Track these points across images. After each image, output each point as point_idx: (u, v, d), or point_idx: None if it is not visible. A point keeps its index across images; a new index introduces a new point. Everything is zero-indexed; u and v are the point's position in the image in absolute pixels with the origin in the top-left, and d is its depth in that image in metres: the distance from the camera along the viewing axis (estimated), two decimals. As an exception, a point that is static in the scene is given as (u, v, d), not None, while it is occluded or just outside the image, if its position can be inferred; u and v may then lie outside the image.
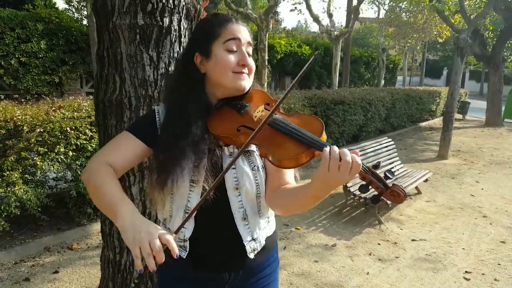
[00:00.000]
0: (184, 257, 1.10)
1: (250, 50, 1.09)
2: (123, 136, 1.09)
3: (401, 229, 4.00)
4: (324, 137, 0.97)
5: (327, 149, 0.88)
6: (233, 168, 1.07)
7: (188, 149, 1.02)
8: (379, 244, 3.63)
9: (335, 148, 0.88)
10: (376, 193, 0.96)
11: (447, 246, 3.62)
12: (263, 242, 1.17)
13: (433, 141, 9.10)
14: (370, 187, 0.94)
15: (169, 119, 1.07)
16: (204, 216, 1.06)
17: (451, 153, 7.64)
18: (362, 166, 0.90)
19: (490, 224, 4.19)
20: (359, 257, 3.36)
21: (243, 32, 1.08)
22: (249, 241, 1.12)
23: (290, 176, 1.14)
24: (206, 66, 1.07)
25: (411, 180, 4.68)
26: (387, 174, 0.96)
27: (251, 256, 1.12)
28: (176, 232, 0.92)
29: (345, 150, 0.87)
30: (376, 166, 0.95)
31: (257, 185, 1.10)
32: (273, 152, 0.95)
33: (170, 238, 0.85)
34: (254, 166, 1.10)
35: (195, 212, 0.94)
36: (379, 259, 3.32)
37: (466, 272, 3.14)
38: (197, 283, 1.16)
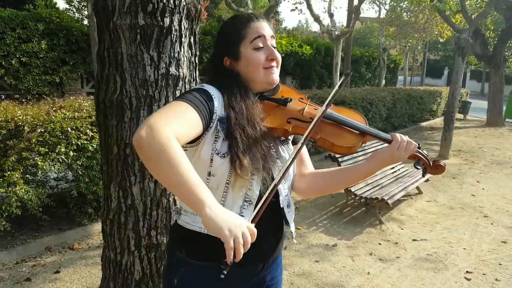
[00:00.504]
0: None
1: (274, 42, 1.15)
2: (189, 112, 0.95)
3: (402, 229, 4.00)
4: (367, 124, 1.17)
5: (397, 134, 1.12)
6: (277, 158, 1.12)
7: (261, 138, 1.06)
8: (380, 244, 3.62)
9: (399, 134, 1.12)
10: (423, 168, 1.16)
11: (448, 246, 3.61)
12: (293, 226, 1.26)
13: (434, 141, 9.10)
14: (420, 163, 1.15)
15: (236, 102, 1.06)
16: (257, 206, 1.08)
17: (452, 153, 7.63)
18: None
19: (491, 224, 4.18)
20: (360, 257, 3.35)
21: (266, 28, 1.13)
22: (292, 226, 1.22)
23: (309, 162, 1.29)
24: (237, 67, 1.12)
25: (412, 180, 4.67)
26: (424, 152, 1.18)
27: (295, 241, 1.27)
28: (253, 221, 0.91)
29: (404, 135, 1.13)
30: (419, 147, 1.16)
31: (294, 172, 1.22)
32: (333, 141, 1.10)
33: (255, 231, 0.87)
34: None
35: (248, 199, 1.04)
36: (380, 259, 3.32)
37: (467, 272, 3.14)
38: (231, 277, 1.14)
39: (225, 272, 0.84)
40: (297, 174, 1.24)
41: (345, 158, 4.23)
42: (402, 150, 1.10)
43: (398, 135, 1.12)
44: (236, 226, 0.83)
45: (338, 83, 1.18)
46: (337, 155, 4.06)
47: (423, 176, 1.20)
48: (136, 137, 0.86)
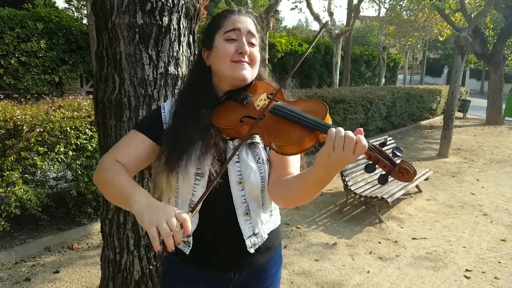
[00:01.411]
0: (187, 253, 1.09)
1: (253, 40, 1.09)
2: (131, 135, 1.10)
3: (401, 227, 4.00)
4: (328, 119, 0.94)
5: (332, 129, 0.85)
6: (237, 162, 1.06)
7: (196, 135, 1.03)
8: (379, 242, 3.62)
9: (340, 128, 0.85)
10: (383, 172, 0.89)
11: (447, 245, 3.61)
12: (265, 237, 1.13)
13: (434, 139, 9.10)
14: (376, 166, 0.88)
15: (179, 108, 1.10)
16: (208, 210, 1.06)
17: (452, 151, 7.63)
18: (368, 144, 0.86)
19: (491, 222, 4.19)
20: (359, 255, 3.35)
21: (245, 23, 1.08)
22: (249, 236, 1.10)
23: (295, 168, 1.10)
24: (210, 58, 1.11)
25: (415, 172, 4.66)
26: (395, 151, 0.88)
27: (251, 251, 1.09)
28: (192, 211, 0.92)
29: (349, 131, 0.85)
30: (383, 144, 0.89)
31: (262, 179, 1.08)
32: (276, 139, 0.93)
33: (187, 217, 0.83)
34: (259, 159, 1.08)
35: (200, 204, 0.95)
36: (380, 258, 3.32)
37: (466, 270, 3.14)
38: (201, 281, 1.14)
39: (159, 264, 0.87)
40: (275, 179, 1.07)
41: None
42: (339, 149, 0.83)
43: (334, 129, 0.84)
44: (159, 214, 0.82)
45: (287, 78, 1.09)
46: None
47: (380, 182, 0.89)
48: (93, 176, 1.07)
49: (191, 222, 1.03)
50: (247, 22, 1.09)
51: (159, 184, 1.09)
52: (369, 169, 0.88)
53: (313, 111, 0.96)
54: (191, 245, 1.09)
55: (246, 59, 1.07)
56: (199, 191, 1.04)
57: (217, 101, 1.10)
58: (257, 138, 1.10)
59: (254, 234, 1.11)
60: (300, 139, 0.90)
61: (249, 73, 1.08)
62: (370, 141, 0.89)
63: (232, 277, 1.14)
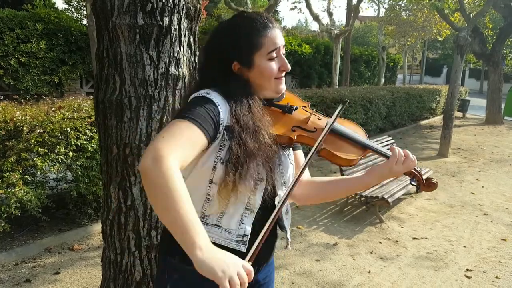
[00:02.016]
0: (244, 251, 1.07)
1: (284, 49, 1.13)
2: (191, 130, 0.93)
3: (402, 227, 4.00)
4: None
5: (396, 149, 1.13)
6: (279, 164, 1.12)
7: (267, 145, 1.04)
8: (380, 242, 3.62)
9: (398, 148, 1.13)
10: (418, 184, 1.22)
11: (448, 244, 3.62)
12: (290, 234, 1.26)
13: (434, 139, 9.10)
14: (415, 179, 1.20)
15: (243, 116, 1.03)
16: (260, 211, 1.10)
17: (452, 151, 7.64)
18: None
19: (491, 221, 4.19)
20: (360, 255, 3.35)
21: (280, 36, 1.10)
22: (289, 232, 1.22)
23: (307, 170, 1.26)
24: (248, 74, 1.08)
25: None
26: (417, 168, 1.20)
27: (290, 248, 1.25)
28: (250, 259, 0.89)
29: (407, 151, 1.14)
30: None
31: (292, 177, 1.18)
32: (336, 152, 1.13)
33: (251, 269, 0.86)
34: (292, 160, 1.19)
35: (256, 208, 1.07)
36: (381, 258, 3.32)
37: (467, 270, 3.14)
38: None
39: None
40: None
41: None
42: (400, 164, 1.12)
43: (396, 149, 1.12)
44: (230, 266, 0.81)
45: (338, 110, 1.20)
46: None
47: (417, 192, 1.29)
48: (143, 166, 0.85)
49: (245, 224, 1.09)
50: (280, 35, 1.10)
51: (223, 192, 1.03)
52: (413, 181, 1.21)
53: (358, 131, 1.22)
54: (247, 244, 1.08)
55: (284, 73, 1.12)
56: (258, 194, 1.07)
57: (262, 104, 1.12)
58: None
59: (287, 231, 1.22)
60: (358, 156, 1.15)
61: (285, 85, 1.15)
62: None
63: (255, 272, 1.15)
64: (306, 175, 1.28)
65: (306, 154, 1.17)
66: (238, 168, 1.00)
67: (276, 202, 1.13)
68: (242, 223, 1.07)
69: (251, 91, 1.09)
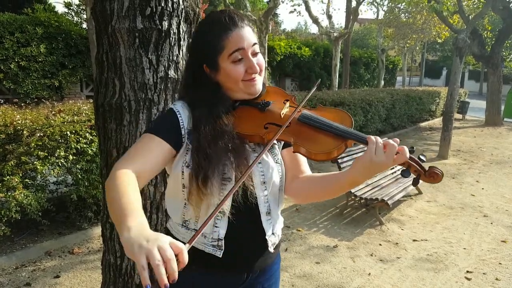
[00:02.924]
0: (220, 256, 1.07)
1: (256, 48, 1.07)
2: (146, 139, 1.01)
3: (402, 229, 4.00)
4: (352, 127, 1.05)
5: (372, 136, 0.96)
6: (259, 163, 1.08)
7: (227, 149, 1.03)
8: (380, 244, 3.62)
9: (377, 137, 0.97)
10: (414, 176, 1.01)
11: (448, 246, 3.61)
12: (280, 235, 1.20)
13: (433, 141, 9.11)
14: (410, 171, 1.00)
15: (203, 122, 1.04)
16: (235, 214, 1.07)
17: (451, 153, 7.64)
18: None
19: (491, 223, 4.19)
20: (360, 258, 3.35)
21: (246, 37, 1.04)
22: (270, 235, 1.14)
23: (306, 165, 1.20)
24: (217, 76, 1.08)
25: (411, 181, 4.67)
26: (421, 157, 1.01)
27: (271, 250, 1.14)
28: (198, 231, 0.80)
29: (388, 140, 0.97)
30: (412, 151, 0.99)
31: (281, 178, 1.14)
32: (309, 146, 1.00)
33: (183, 247, 0.72)
34: (278, 159, 1.14)
35: (227, 210, 1.00)
36: (381, 260, 3.32)
37: (467, 272, 3.14)
38: (212, 285, 1.14)
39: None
40: (291, 177, 1.17)
41: (345, 159, 4.23)
42: (381, 153, 0.94)
43: (373, 136, 0.98)
44: (150, 241, 0.69)
45: (314, 87, 1.12)
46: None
47: (414, 185, 1.04)
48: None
49: (219, 227, 1.06)
50: (247, 35, 1.04)
51: (191, 197, 1.04)
52: (405, 173, 1.00)
53: (339, 120, 1.06)
54: (223, 248, 1.07)
55: (256, 74, 1.07)
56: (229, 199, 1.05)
57: (232, 107, 1.10)
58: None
59: (273, 233, 1.15)
60: (335, 146, 0.99)
61: (260, 85, 1.10)
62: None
63: (245, 278, 1.15)
64: (306, 171, 1.19)
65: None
66: (198, 173, 1.00)
67: (259, 203, 1.09)
68: (216, 227, 1.06)
69: (220, 93, 1.09)
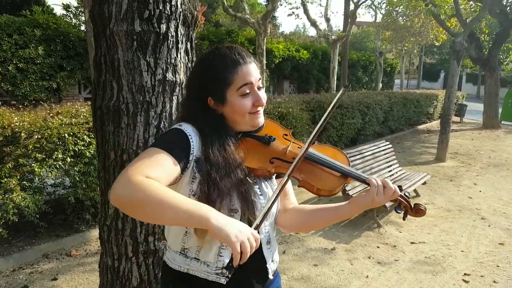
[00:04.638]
0: (225, 283, 1.08)
1: (260, 83, 1.11)
2: (161, 155, 0.96)
3: (400, 232, 4.00)
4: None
5: (372, 179, 1.08)
6: (261, 195, 1.11)
7: (234, 181, 1.04)
8: (378, 247, 3.62)
9: (376, 178, 1.09)
10: (403, 211, 1.15)
11: (446, 249, 3.62)
12: (277, 260, 1.23)
13: (431, 143, 9.13)
14: (401, 206, 1.14)
15: (213, 153, 1.04)
16: None
17: (449, 155, 7.66)
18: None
19: (489, 226, 4.20)
20: (358, 260, 3.35)
21: (253, 72, 1.08)
22: (270, 263, 1.18)
23: (293, 196, 1.28)
24: (222, 109, 1.10)
25: (409, 183, 4.68)
26: (406, 194, 1.15)
27: (271, 277, 1.18)
28: (256, 228, 0.94)
29: (385, 179, 1.09)
30: (400, 189, 1.12)
31: (277, 208, 1.20)
32: (315, 183, 1.08)
33: (259, 236, 0.91)
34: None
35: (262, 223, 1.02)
36: (379, 262, 3.32)
37: (465, 274, 3.14)
38: None
39: (230, 275, 0.91)
40: (281, 209, 1.22)
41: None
42: (381, 195, 1.07)
43: (374, 179, 1.08)
44: (242, 232, 0.87)
45: (321, 121, 1.12)
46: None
47: (404, 219, 1.18)
48: (116, 197, 0.89)
49: (223, 256, 1.08)
50: (254, 70, 1.08)
51: (199, 232, 1.05)
52: (398, 209, 1.15)
53: (339, 159, 1.15)
54: (227, 276, 1.06)
55: (260, 108, 1.11)
56: None
57: (236, 139, 1.12)
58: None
59: (272, 261, 1.19)
60: (339, 184, 1.09)
61: (263, 117, 1.14)
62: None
63: None
64: (293, 202, 1.26)
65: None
66: (214, 202, 1.00)
67: (260, 234, 1.11)
68: (221, 256, 1.08)
69: (225, 125, 1.11)
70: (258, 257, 1.13)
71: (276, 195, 1.01)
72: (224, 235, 0.85)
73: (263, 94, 1.11)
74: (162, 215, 0.88)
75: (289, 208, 1.23)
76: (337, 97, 1.14)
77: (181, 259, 1.11)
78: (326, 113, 1.10)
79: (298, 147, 1.14)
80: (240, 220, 1.01)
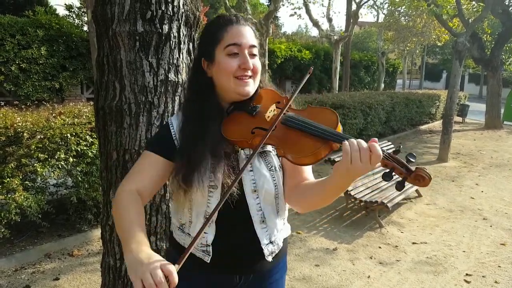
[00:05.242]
0: (208, 261, 1.10)
1: (254, 50, 1.08)
2: (144, 157, 1.09)
3: (401, 232, 4.00)
4: (339, 128, 0.97)
5: (346, 142, 0.88)
6: (251, 171, 1.08)
7: (207, 151, 1.03)
8: (380, 247, 3.62)
9: (353, 139, 0.88)
10: (400, 179, 0.92)
11: (447, 249, 3.61)
12: (280, 244, 1.17)
13: (433, 144, 9.11)
14: (393, 173, 0.90)
15: (186, 124, 1.09)
16: (225, 220, 1.08)
17: (451, 156, 7.64)
18: (383, 153, 0.88)
19: (490, 226, 4.19)
20: (360, 260, 3.35)
21: (246, 35, 1.06)
22: (267, 244, 1.13)
23: (308, 173, 1.14)
24: (212, 70, 1.09)
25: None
26: (409, 157, 0.90)
27: (269, 259, 1.13)
28: (194, 239, 0.88)
29: (362, 141, 0.88)
30: (397, 151, 0.91)
31: (275, 186, 1.11)
32: (290, 151, 0.95)
33: (173, 269, 0.81)
34: (272, 167, 1.11)
35: (215, 217, 1.00)
36: (380, 263, 3.32)
37: (466, 274, 3.14)
38: (206, 284, 1.16)
39: None
40: (294, 185, 1.11)
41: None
42: (357, 162, 0.86)
43: (347, 143, 0.87)
44: (143, 267, 0.80)
45: (302, 83, 1.09)
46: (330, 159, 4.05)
47: (397, 189, 0.91)
48: (113, 199, 1.06)
49: (207, 233, 1.09)
50: (247, 34, 1.06)
51: (178, 199, 1.10)
52: (386, 177, 0.91)
53: (324, 120, 0.98)
54: (211, 254, 1.10)
55: (249, 73, 1.07)
56: (213, 202, 1.06)
57: (224, 112, 1.11)
58: (269, 147, 1.11)
59: (271, 242, 1.14)
60: (314, 150, 0.92)
61: (252, 87, 1.09)
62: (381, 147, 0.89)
63: (237, 280, 1.15)
64: (310, 178, 1.13)
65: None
66: (178, 172, 1.04)
67: (251, 212, 1.09)
68: (205, 232, 1.09)
69: (211, 93, 1.10)
70: (250, 236, 1.10)
71: (241, 171, 0.95)
72: (129, 268, 0.84)
73: (254, 62, 1.07)
74: (118, 230, 0.99)
75: (300, 185, 1.10)
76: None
77: (180, 234, 1.17)
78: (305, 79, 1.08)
79: (284, 114, 1.02)
80: (221, 197, 0.97)
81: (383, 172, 0.91)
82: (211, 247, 1.10)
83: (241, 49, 1.05)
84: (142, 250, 0.86)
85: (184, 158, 1.03)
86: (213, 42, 1.07)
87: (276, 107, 1.08)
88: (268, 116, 1.05)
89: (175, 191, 1.08)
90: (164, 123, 1.17)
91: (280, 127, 1.00)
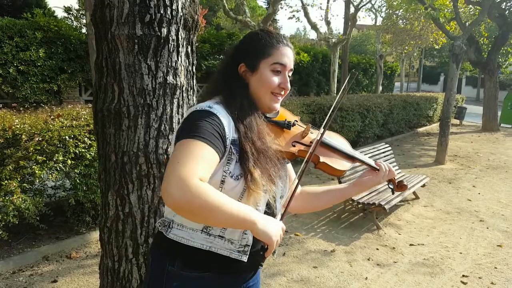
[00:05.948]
0: (246, 261, 1.12)
1: (290, 73, 1.18)
2: (203, 148, 0.95)
3: (399, 234, 4.01)
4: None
5: (382, 165, 1.30)
6: (280, 179, 1.16)
7: (270, 155, 1.09)
8: (377, 249, 3.64)
9: (382, 163, 1.31)
10: (391, 187, 1.36)
11: (444, 251, 3.63)
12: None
13: (431, 146, 9.15)
14: (391, 182, 1.35)
15: (246, 124, 1.07)
16: None
17: (448, 158, 7.68)
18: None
19: (487, 228, 4.21)
20: (357, 262, 3.36)
21: (290, 57, 1.15)
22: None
23: (293, 173, 1.36)
24: (250, 78, 1.13)
25: (408, 185, 4.70)
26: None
27: (274, 256, 1.31)
28: (281, 219, 1.09)
29: (387, 164, 1.32)
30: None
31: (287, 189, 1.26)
32: (332, 164, 1.21)
33: (284, 226, 1.05)
34: (287, 174, 1.27)
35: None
36: (378, 264, 3.33)
37: (463, 276, 3.16)
38: (224, 282, 1.17)
39: (262, 264, 1.09)
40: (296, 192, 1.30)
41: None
42: (386, 177, 1.29)
43: (383, 165, 1.29)
44: (278, 232, 1.00)
45: (331, 110, 1.28)
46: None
47: (393, 193, 1.40)
48: (173, 200, 0.88)
49: (247, 234, 1.13)
50: (291, 57, 1.16)
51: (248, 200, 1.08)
52: (390, 185, 1.37)
53: (345, 144, 1.32)
54: (248, 254, 1.13)
55: (283, 92, 1.16)
56: (262, 205, 1.12)
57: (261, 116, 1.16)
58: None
59: None
60: (348, 166, 1.25)
61: (279, 105, 1.19)
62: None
63: (247, 278, 1.22)
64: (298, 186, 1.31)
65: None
66: (255, 165, 1.05)
67: (276, 214, 1.16)
68: (245, 234, 1.11)
69: (251, 96, 1.14)
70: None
71: (298, 179, 1.11)
72: (268, 237, 0.96)
73: (289, 82, 1.16)
74: (212, 219, 0.93)
75: (303, 192, 1.35)
76: (346, 81, 1.34)
77: (203, 237, 1.09)
78: (335, 101, 1.28)
79: (311, 132, 1.25)
80: (266, 199, 1.11)
81: (388, 183, 1.38)
82: (249, 247, 1.12)
83: (284, 69, 1.14)
84: (263, 216, 0.99)
85: (255, 159, 1.05)
86: (262, 55, 1.12)
87: (305, 128, 1.27)
88: (303, 133, 1.25)
89: (231, 195, 1.00)
90: (210, 112, 1.03)
91: (318, 145, 1.21)
